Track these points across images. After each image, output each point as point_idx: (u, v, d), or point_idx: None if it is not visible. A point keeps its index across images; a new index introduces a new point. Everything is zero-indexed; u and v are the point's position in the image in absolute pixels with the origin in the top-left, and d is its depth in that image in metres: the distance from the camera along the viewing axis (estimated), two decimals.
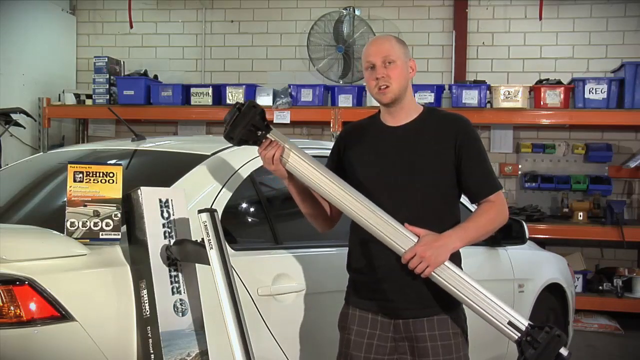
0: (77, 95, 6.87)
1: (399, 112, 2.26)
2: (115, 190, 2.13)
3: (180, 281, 2.04)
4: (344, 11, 6.58)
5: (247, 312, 1.95)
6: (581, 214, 6.03)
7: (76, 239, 2.06)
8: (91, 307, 1.95)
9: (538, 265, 4.07)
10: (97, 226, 2.10)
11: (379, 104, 2.30)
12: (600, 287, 6.06)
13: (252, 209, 2.74)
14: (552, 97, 5.90)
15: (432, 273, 2.05)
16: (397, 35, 6.82)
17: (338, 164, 2.34)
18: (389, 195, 2.16)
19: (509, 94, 5.93)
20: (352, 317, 2.28)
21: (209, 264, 1.88)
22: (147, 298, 1.99)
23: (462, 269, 2.28)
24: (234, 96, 6.38)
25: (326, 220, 2.36)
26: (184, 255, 2.02)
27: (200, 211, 1.92)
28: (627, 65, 5.82)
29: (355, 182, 2.20)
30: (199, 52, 7.27)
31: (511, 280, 3.68)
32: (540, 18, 6.39)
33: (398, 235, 2.08)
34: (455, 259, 2.26)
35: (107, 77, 6.62)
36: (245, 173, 2.58)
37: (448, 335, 2.20)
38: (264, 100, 6.34)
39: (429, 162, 2.21)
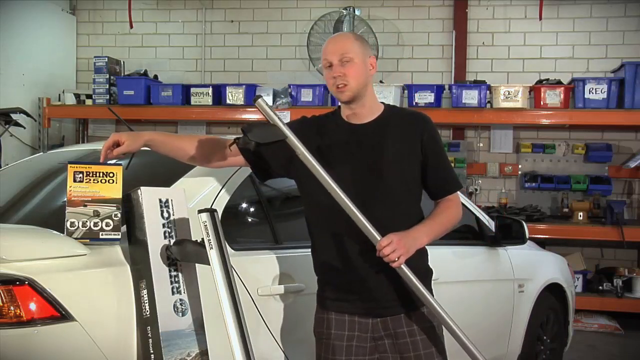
0: (77, 95, 6.87)
1: (361, 110, 2.25)
2: (115, 190, 2.13)
3: (180, 281, 2.04)
4: (344, 11, 6.58)
5: (247, 312, 1.95)
6: (581, 214, 6.03)
7: (76, 239, 2.06)
8: (91, 307, 1.95)
9: (538, 265, 4.07)
10: (97, 226, 2.10)
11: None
12: (600, 287, 6.06)
13: (252, 209, 2.74)
14: (552, 97, 5.90)
15: (402, 266, 2.04)
16: (397, 35, 6.85)
17: (286, 152, 2.20)
18: (356, 194, 2.13)
19: (509, 94, 5.93)
20: (328, 322, 2.26)
21: (209, 264, 1.88)
22: (147, 298, 1.99)
23: (428, 264, 2.32)
24: (234, 96, 6.38)
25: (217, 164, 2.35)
26: (184, 255, 2.02)
27: (200, 211, 1.92)
28: (627, 65, 5.82)
29: (314, 179, 2.11)
30: (199, 52, 7.27)
31: (511, 280, 3.68)
32: (540, 18, 6.39)
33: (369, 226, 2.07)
34: (422, 253, 2.27)
35: (107, 77, 6.62)
36: (245, 173, 2.58)
37: (426, 329, 2.22)
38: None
39: (396, 160, 2.21)
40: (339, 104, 2.33)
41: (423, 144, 2.23)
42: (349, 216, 2.07)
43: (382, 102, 2.33)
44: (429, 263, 2.34)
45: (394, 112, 2.31)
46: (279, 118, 2.09)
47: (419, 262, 2.23)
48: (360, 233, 2.07)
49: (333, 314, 2.26)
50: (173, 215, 2.07)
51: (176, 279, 2.03)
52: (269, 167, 2.32)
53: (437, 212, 2.24)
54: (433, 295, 2.25)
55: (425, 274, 2.28)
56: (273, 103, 6.24)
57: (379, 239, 2.03)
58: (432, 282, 2.33)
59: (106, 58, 6.68)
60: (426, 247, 2.28)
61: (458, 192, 2.32)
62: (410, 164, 2.22)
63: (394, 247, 2.01)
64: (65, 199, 2.11)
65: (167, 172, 2.52)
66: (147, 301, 1.99)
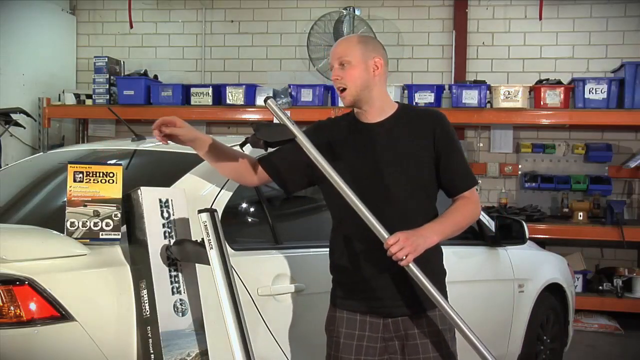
0: (77, 95, 6.87)
1: (371, 110, 2.25)
2: (115, 190, 2.13)
3: (180, 281, 2.04)
4: (344, 11, 6.58)
5: (247, 312, 1.95)
6: (581, 214, 6.03)
7: (76, 239, 2.06)
8: (91, 307, 1.95)
9: (538, 265, 4.07)
10: (97, 226, 2.10)
11: None
12: (600, 287, 6.06)
13: (252, 209, 2.74)
14: (552, 97, 5.90)
15: (410, 265, 2.02)
16: (397, 35, 6.85)
17: (303, 158, 2.19)
18: (367, 192, 2.13)
19: (509, 94, 5.93)
20: (339, 320, 2.26)
21: (209, 264, 1.88)
22: (147, 298, 1.99)
23: (443, 264, 2.31)
24: (234, 96, 6.38)
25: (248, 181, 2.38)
26: (184, 255, 2.02)
27: (200, 211, 1.92)
28: (627, 65, 5.82)
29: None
30: (199, 52, 7.27)
31: (511, 280, 3.68)
32: (540, 18, 6.39)
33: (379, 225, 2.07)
34: (437, 253, 2.27)
35: (107, 77, 6.62)
36: None
37: (437, 332, 2.21)
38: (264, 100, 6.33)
39: (411, 158, 2.21)
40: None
41: (436, 141, 2.22)
42: (360, 216, 2.07)
43: (396, 102, 2.33)
44: None
45: (407, 111, 2.30)
46: (288, 118, 2.11)
47: (433, 261, 2.22)
48: (371, 233, 2.06)
49: (345, 312, 2.26)
50: (173, 215, 2.07)
51: (176, 279, 2.03)
52: (292, 178, 2.33)
53: (450, 210, 2.22)
54: (447, 296, 2.24)
55: (439, 274, 2.28)
56: None
57: (386, 237, 2.02)
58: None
59: (106, 58, 6.68)
60: (441, 247, 2.28)
61: (475, 189, 2.29)
62: (423, 161, 2.22)
63: (401, 246, 1.99)
64: (65, 199, 2.11)
65: (167, 172, 2.53)
66: (147, 301, 1.99)
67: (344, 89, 2.21)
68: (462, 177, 2.26)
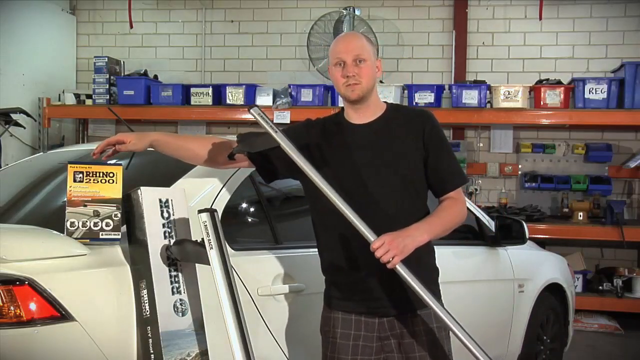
0: (77, 95, 6.87)
1: (365, 110, 2.26)
2: (115, 190, 2.13)
3: (180, 281, 2.04)
4: (344, 11, 6.58)
5: (247, 312, 1.95)
6: (581, 214, 6.03)
7: (76, 239, 2.06)
8: (91, 307, 1.95)
9: (538, 265, 4.07)
10: (97, 226, 2.10)
11: (345, 101, 2.28)
12: (600, 287, 6.07)
13: (252, 209, 2.74)
14: (552, 97, 5.90)
15: (397, 267, 1.99)
16: (397, 35, 6.85)
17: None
18: (359, 193, 2.14)
19: (509, 94, 5.93)
20: (335, 321, 2.26)
21: (209, 264, 1.88)
22: (147, 298, 1.99)
23: (435, 263, 2.30)
24: (234, 96, 6.38)
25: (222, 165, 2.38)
26: (184, 255, 2.02)
27: (200, 211, 1.92)
28: (627, 65, 5.82)
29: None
30: (199, 52, 7.27)
31: (511, 280, 3.68)
32: (540, 18, 6.39)
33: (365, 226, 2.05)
34: (428, 251, 2.26)
35: (107, 77, 6.62)
36: (245, 173, 2.58)
37: (432, 330, 2.21)
38: (264, 100, 6.34)
39: (402, 158, 2.21)
40: (342, 105, 2.33)
41: (425, 139, 2.22)
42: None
43: (384, 102, 2.33)
44: None
45: (396, 111, 2.31)
46: (271, 126, 2.11)
47: (425, 259, 2.22)
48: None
49: (340, 313, 2.25)
50: (173, 215, 2.07)
51: (176, 279, 2.03)
52: (274, 169, 2.33)
53: (438, 210, 2.22)
54: (441, 295, 2.24)
55: (431, 272, 2.28)
56: (273, 103, 6.23)
57: (372, 240, 2.01)
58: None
59: (106, 58, 6.68)
60: (433, 246, 2.28)
61: (461, 189, 2.29)
62: (414, 161, 2.22)
63: (387, 248, 1.97)
64: (65, 199, 2.11)
65: (167, 172, 2.53)
66: (147, 301, 1.99)
67: (356, 84, 2.19)
68: (451, 176, 2.26)
